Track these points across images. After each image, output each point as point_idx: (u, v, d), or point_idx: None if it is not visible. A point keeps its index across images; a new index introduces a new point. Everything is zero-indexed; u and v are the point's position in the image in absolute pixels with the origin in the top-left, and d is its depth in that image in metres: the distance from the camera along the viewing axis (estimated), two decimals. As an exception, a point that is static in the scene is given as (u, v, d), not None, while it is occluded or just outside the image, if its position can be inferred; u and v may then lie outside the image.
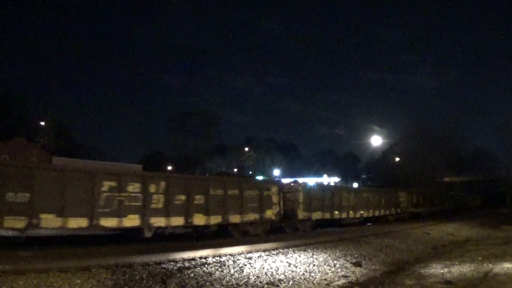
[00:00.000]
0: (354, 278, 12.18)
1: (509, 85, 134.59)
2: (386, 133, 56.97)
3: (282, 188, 21.67)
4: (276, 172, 72.70)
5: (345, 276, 12.24)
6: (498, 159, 72.82)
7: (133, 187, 15.04)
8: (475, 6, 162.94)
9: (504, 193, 69.21)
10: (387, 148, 66.90)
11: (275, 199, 20.58)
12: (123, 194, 14.62)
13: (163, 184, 15.88)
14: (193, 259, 11.84)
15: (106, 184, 14.35)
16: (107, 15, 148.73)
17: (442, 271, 12.54)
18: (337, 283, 11.47)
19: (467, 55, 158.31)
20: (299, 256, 13.88)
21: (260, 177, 60.22)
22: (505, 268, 12.55)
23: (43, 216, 12.93)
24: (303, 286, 10.87)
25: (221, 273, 10.90)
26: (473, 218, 39.37)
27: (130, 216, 14.76)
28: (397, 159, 63.29)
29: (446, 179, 64.21)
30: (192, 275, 10.38)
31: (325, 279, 11.65)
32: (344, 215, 26.47)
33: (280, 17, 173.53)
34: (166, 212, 15.83)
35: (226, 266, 11.55)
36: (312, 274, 11.96)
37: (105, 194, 14.23)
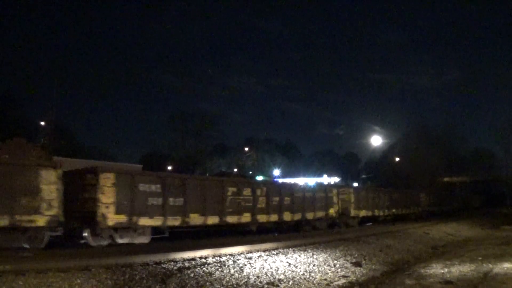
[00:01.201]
0: (354, 278, 12.18)
1: (509, 85, 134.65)
2: (386, 133, 56.99)
3: (339, 190, 26.27)
4: (276, 172, 72.67)
5: (345, 276, 12.25)
6: (498, 159, 72.77)
7: (246, 192, 19.06)
8: (475, 6, 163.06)
9: (504, 193, 69.22)
10: (387, 148, 66.78)
11: (335, 199, 25.15)
12: (240, 197, 18.68)
13: (265, 189, 20.14)
14: (193, 259, 11.85)
15: (230, 190, 18.34)
16: (107, 14, 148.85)
17: (442, 271, 12.54)
18: (337, 283, 11.47)
19: (467, 55, 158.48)
20: (299, 256, 13.88)
21: (260, 177, 60.23)
22: (505, 268, 12.55)
23: (191, 215, 16.58)
24: (303, 286, 10.88)
25: (221, 273, 10.90)
26: (473, 218, 39.38)
27: (245, 214, 18.80)
28: (397, 159, 63.23)
29: (446, 179, 64.17)
30: (192, 275, 10.38)
31: (325, 279, 11.66)
32: (381, 213, 30.65)
33: (280, 17, 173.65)
34: (267, 210, 19.94)
35: (226, 266, 11.55)
36: (312, 274, 11.96)
37: (230, 197, 18.18)
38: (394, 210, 32.74)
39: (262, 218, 19.72)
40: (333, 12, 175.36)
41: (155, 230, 15.65)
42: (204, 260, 11.80)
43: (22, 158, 17.30)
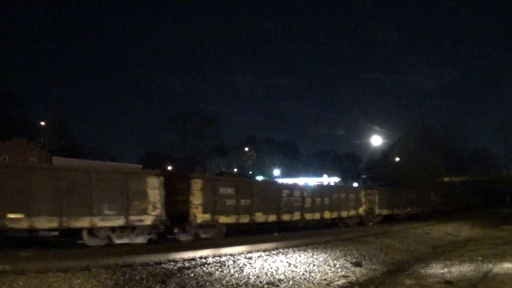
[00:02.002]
0: (354, 278, 12.17)
1: (509, 85, 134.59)
2: (386, 133, 57.02)
3: (366, 191, 29.48)
4: (276, 172, 72.67)
5: (345, 276, 12.24)
6: (498, 159, 72.79)
7: (297, 194, 22.53)
8: (475, 6, 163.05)
9: (504, 193, 69.15)
10: (387, 148, 66.77)
11: (363, 199, 28.59)
12: (292, 198, 22.06)
13: (310, 191, 23.84)
14: (193, 259, 11.85)
15: (285, 192, 21.77)
16: (107, 14, 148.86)
17: (442, 271, 12.54)
18: (337, 283, 11.46)
19: (467, 55, 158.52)
20: (299, 256, 13.87)
21: (260, 177, 60.24)
22: (505, 268, 12.55)
23: (257, 214, 19.69)
24: (303, 286, 10.87)
25: (221, 273, 10.89)
26: (473, 218, 39.35)
27: (296, 213, 22.22)
28: (397, 159, 63.22)
29: (446, 179, 64.17)
30: (192, 275, 10.38)
31: (325, 279, 11.65)
32: (398, 212, 33.63)
33: (281, 17, 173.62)
34: (312, 210, 23.44)
35: (226, 266, 11.55)
36: (312, 274, 11.95)
37: (284, 199, 21.56)
38: (409, 209, 35.76)
39: (308, 216, 23.29)
40: (333, 12, 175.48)
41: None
42: (204, 260, 11.79)
43: (134, 168, 22.13)
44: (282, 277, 11.31)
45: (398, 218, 33.18)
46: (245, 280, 10.64)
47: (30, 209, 13.27)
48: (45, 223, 13.55)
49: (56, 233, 14.44)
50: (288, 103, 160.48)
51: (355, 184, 60.96)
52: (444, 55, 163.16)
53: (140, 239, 15.59)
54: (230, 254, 12.90)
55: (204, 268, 11.01)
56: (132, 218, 15.18)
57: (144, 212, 15.58)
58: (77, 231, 14.63)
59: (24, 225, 13.31)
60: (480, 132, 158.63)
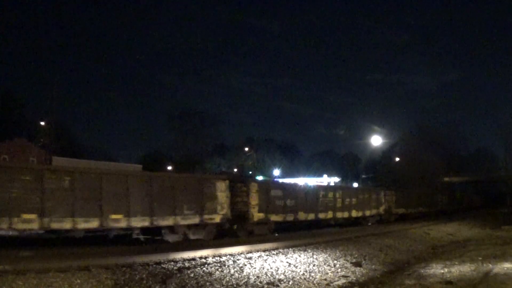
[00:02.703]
0: (354, 278, 12.17)
1: (509, 85, 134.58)
2: (386, 133, 56.78)
3: (385, 192, 32.87)
4: (276, 172, 72.61)
5: (345, 276, 12.24)
6: (498, 159, 72.63)
7: (330, 194, 25.68)
8: (475, 6, 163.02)
9: (504, 193, 69.02)
10: (387, 148, 66.70)
11: (383, 200, 32.01)
12: (327, 199, 25.28)
13: (341, 192, 26.72)
14: (193, 259, 11.85)
15: (321, 193, 24.99)
16: (107, 14, 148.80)
17: (442, 271, 12.53)
18: (337, 283, 11.47)
19: (467, 55, 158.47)
20: (299, 256, 13.87)
21: (260, 177, 60.23)
22: (505, 268, 12.53)
23: (300, 213, 22.75)
24: (303, 286, 10.87)
25: (221, 273, 10.89)
26: (473, 218, 39.36)
27: (329, 212, 25.35)
28: (397, 159, 63.19)
29: (446, 179, 64.14)
30: (192, 275, 10.38)
31: (325, 279, 11.65)
32: (412, 211, 36.51)
33: (281, 17, 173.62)
34: (342, 209, 26.34)
35: (226, 266, 11.55)
36: (312, 274, 11.95)
37: (321, 199, 24.76)
38: (421, 208, 38.60)
39: (339, 214, 26.17)
40: (333, 12, 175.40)
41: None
42: (204, 260, 11.79)
43: (207, 174, 26.81)
44: (282, 277, 11.31)
45: (411, 216, 35.48)
46: (245, 280, 10.64)
47: (129, 211, 15.19)
48: (139, 222, 15.49)
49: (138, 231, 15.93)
50: (288, 103, 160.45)
51: (355, 184, 60.94)
52: (444, 55, 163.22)
53: (209, 235, 17.87)
54: (230, 254, 12.90)
55: (204, 268, 11.01)
56: (205, 216, 17.64)
57: (214, 211, 18.08)
58: (157, 229, 16.51)
59: (123, 224, 15.17)
60: (480, 132, 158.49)
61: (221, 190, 18.55)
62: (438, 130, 64.61)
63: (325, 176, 74.50)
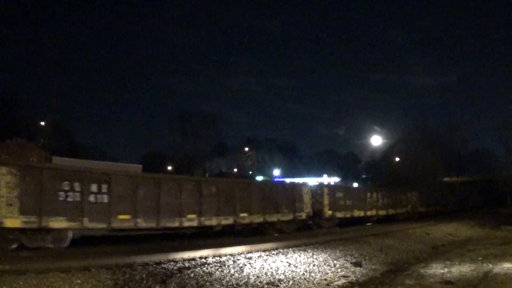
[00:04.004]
0: (354, 278, 12.17)
1: (509, 85, 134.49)
2: (386, 133, 56.74)
3: (412, 193, 37.58)
4: (276, 172, 72.62)
5: (345, 276, 12.24)
6: (498, 159, 72.54)
7: (374, 195, 31.19)
8: (475, 7, 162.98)
9: (504, 193, 68.96)
10: (387, 148, 66.62)
11: (409, 199, 36.82)
12: (372, 199, 30.76)
13: (381, 193, 32.38)
14: (193, 259, 11.84)
15: (368, 194, 30.72)
16: (107, 14, 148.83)
17: (442, 271, 12.53)
18: (337, 283, 11.46)
19: (467, 55, 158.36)
20: (299, 256, 13.87)
21: (260, 177, 60.23)
22: (505, 268, 12.54)
23: (355, 210, 28.35)
24: (303, 286, 10.87)
25: (221, 273, 10.89)
26: (473, 218, 39.32)
27: (373, 210, 30.65)
28: (397, 159, 63.12)
29: (446, 179, 64.08)
30: (192, 275, 10.38)
31: (325, 279, 11.65)
32: (429, 209, 40.84)
33: (281, 17, 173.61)
34: (381, 207, 31.61)
35: (226, 266, 11.55)
36: (312, 274, 11.95)
37: (368, 199, 30.20)
38: (437, 207, 43.40)
39: (380, 212, 31.40)
40: (334, 12, 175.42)
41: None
42: (204, 260, 11.79)
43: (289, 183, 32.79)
44: (282, 277, 11.31)
45: (429, 214, 39.71)
46: (245, 280, 10.64)
47: (251, 211, 19.85)
48: (256, 219, 20.15)
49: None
50: (288, 103, 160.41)
51: (355, 184, 60.91)
52: (444, 55, 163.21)
53: (295, 228, 22.74)
54: (230, 254, 12.90)
55: (204, 268, 11.01)
56: (296, 214, 22.65)
57: (302, 210, 23.23)
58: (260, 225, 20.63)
59: (247, 221, 19.71)
60: (480, 132, 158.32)
61: (306, 193, 23.90)
62: (438, 130, 64.52)
63: (325, 176, 74.50)
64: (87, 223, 14.16)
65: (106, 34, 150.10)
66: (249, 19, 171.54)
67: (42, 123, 47.59)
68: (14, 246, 13.15)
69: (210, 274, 10.67)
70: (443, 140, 62.15)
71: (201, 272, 10.66)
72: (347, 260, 14.29)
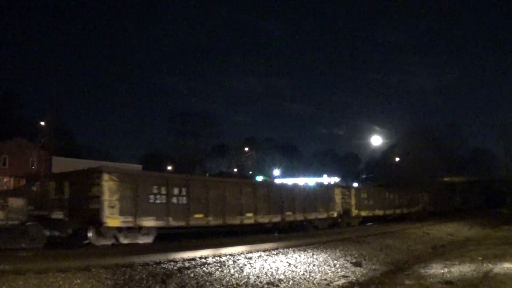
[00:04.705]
0: (354, 278, 12.16)
1: (509, 85, 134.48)
2: (386, 133, 56.80)
3: (422, 193, 41.07)
4: (276, 172, 72.60)
5: (345, 276, 12.24)
6: (498, 159, 72.50)
7: (393, 195, 34.69)
8: (475, 7, 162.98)
9: (504, 193, 68.95)
10: (387, 148, 66.61)
11: (420, 199, 39.97)
12: (388, 199, 33.78)
13: (398, 194, 35.70)
14: (193, 259, 11.84)
15: (387, 194, 34.06)
16: (107, 15, 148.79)
17: (442, 271, 12.53)
18: (337, 283, 11.46)
19: (467, 55, 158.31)
20: (299, 256, 13.87)
21: (260, 177, 60.22)
22: (505, 268, 12.53)
23: (376, 210, 31.40)
24: (303, 286, 10.87)
25: (221, 273, 10.89)
26: (473, 218, 39.34)
27: (391, 210, 33.69)
28: (397, 159, 63.11)
29: (446, 179, 64.07)
30: (192, 275, 10.37)
31: (325, 279, 11.65)
32: (436, 209, 43.19)
33: (281, 18, 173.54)
34: (398, 206, 34.58)
35: (226, 266, 11.54)
36: (312, 274, 11.95)
37: (387, 199, 33.45)
38: (444, 206, 46.07)
39: (397, 211, 34.30)
40: (334, 12, 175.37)
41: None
42: (204, 260, 11.78)
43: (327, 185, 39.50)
44: (282, 277, 11.31)
45: (437, 213, 42.09)
46: (245, 280, 10.63)
47: (294, 210, 23.20)
48: (298, 217, 23.36)
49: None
50: (288, 103, 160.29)
51: (355, 184, 60.92)
52: (444, 55, 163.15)
53: (327, 225, 25.85)
54: (230, 254, 12.90)
55: (204, 268, 11.00)
56: (329, 212, 26.14)
57: (334, 209, 26.52)
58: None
59: (291, 218, 22.88)
60: (480, 132, 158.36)
61: (337, 194, 27.14)
62: (438, 130, 64.52)
63: (325, 176, 74.49)
64: (171, 222, 16.45)
65: (106, 34, 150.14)
66: (249, 19, 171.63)
67: (42, 123, 47.55)
68: (111, 242, 14.84)
69: (210, 274, 10.67)
70: (443, 140, 62.14)
71: (201, 272, 10.66)
72: (347, 260, 14.29)
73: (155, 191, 16.00)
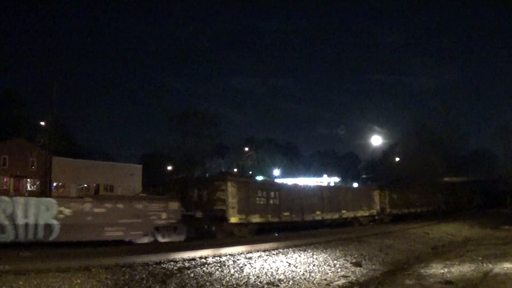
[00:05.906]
0: (354, 278, 12.16)
1: (509, 85, 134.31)
2: (386, 133, 56.62)
3: (436, 193, 45.12)
4: (276, 172, 72.58)
5: (345, 276, 12.23)
6: (498, 159, 72.47)
7: (414, 195, 38.08)
8: (475, 7, 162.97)
9: (504, 193, 68.94)
10: (387, 148, 66.60)
11: (435, 198, 43.79)
12: (412, 198, 37.96)
13: (417, 194, 39.20)
14: (193, 259, 11.84)
15: (410, 194, 37.51)
16: (107, 15, 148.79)
17: (442, 271, 12.53)
18: (337, 283, 11.46)
19: (467, 56, 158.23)
20: (299, 256, 13.87)
21: (260, 177, 60.19)
22: (505, 268, 12.53)
23: (402, 209, 35.66)
24: (303, 286, 10.86)
25: (221, 273, 10.89)
26: (473, 218, 39.32)
27: (414, 208, 37.96)
28: (397, 159, 63.10)
29: (446, 179, 64.05)
30: (192, 275, 10.37)
31: (325, 279, 11.64)
32: (451, 207, 47.61)
33: (281, 18, 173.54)
34: (419, 205, 39.13)
35: (226, 266, 11.55)
36: (312, 274, 11.95)
37: (411, 199, 37.29)
38: (454, 205, 49.22)
39: (418, 209, 38.30)
40: (334, 12, 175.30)
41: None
42: (204, 260, 11.78)
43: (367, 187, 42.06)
44: (282, 277, 11.31)
45: (447, 212, 44.51)
46: (245, 280, 10.63)
47: (347, 208, 27.79)
48: (347, 214, 27.75)
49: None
50: (288, 103, 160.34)
51: (355, 184, 60.90)
52: (444, 55, 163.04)
53: (368, 222, 29.98)
54: (230, 254, 12.90)
55: (204, 268, 11.00)
56: (370, 211, 30.51)
57: (374, 208, 31.08)
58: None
59: (345, 216, 27.50)
60: (480, 132, 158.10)
61: (376, 194, 31.53)
62: (438, 130, 64.42)
63: (325, 176, 74.48)
64: (270, 218, 21.49)
65: (107, 34, 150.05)
66: (249, 19, 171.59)
67: (42, 123, 47.53)
68: (227, 235, 19.12)
69: (210, 274, 10.67)
70: (443, 140, 62.05)
71: (201, 272, 10.66)
72: (347, 260, 14.29)
73: (259, 194, 21.09)
